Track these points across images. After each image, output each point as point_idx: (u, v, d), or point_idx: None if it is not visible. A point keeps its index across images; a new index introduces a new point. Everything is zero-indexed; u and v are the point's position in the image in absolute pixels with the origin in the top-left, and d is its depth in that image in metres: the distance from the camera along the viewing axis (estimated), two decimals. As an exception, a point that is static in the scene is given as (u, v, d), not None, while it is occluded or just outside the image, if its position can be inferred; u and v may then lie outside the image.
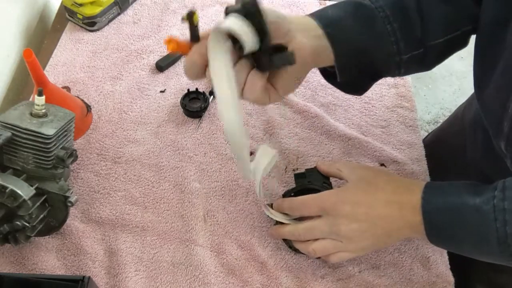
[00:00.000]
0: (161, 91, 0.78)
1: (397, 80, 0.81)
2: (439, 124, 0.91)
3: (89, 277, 0.50)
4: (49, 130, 0.56)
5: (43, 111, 0.57)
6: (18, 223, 0.55)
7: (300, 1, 0.92)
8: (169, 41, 0.49)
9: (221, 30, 0.45)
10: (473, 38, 0.57)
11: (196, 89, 0.76)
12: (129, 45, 0.83)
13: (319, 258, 0.61)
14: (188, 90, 0.75)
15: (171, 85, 0.78)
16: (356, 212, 0.55)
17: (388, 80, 0.81)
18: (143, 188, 0.67)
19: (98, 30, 0.84)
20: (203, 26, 0.86)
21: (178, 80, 0.79)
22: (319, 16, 0.54)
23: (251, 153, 0.71)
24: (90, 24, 0.83)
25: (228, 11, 0.46)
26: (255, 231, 0.64)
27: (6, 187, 0.53)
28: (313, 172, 0.63)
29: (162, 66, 0.79)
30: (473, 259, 0.54)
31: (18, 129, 0.55)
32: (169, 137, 0.72)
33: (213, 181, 0.68)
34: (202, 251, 0.62)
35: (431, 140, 0.87)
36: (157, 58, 0.81)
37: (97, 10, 0.82)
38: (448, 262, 0.63)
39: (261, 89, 0.49)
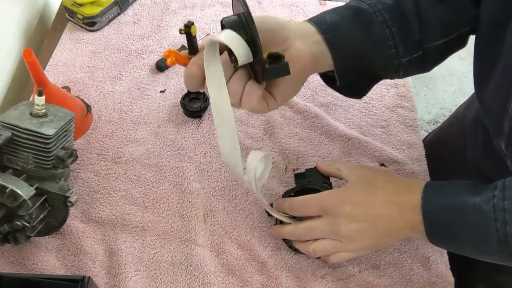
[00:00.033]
0: (161, 91, 0.78)
1: (397, 80, 0.81)
2: (439, 124, 0.91)
3: (89, 277, 0.50)
4: (49, 130, 0.56)
5: (43, 111, 0.57)
6: (18, 223, 0.55)
7: (300, 1, 0.91)
8: (168, 54, 0.50)
9: (215, 43, 0.47)
10: (472, 38, 0.57)
11: (196, 89, 0.76)
12: (129, 45, 0.83)
13: (319, 258, 0.61)
14: (188, 90, 0.75)
15: (171, 85, 0.78)
16: (356, 212, 0.55)
17: (388, 80, 0.80)
18: (143, 188, 0.67)
19: (98, 30, 0.84)
20: (203, 26, 0.86)
21: (178, 80, 0.79)
22: (318, 22, 0.54)
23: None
24: (90, 24, 0.83)
25: (223, 23, 0.47)
26: (255, 231, 0.64)
27: (6, 187, 0.53)
28: (313, 172, 0.63)
29: (162, 66, 0.79)
30: (473, 259, 0.54)
31: (18, 129, 0.55)
32: (169, 137, 0.72)
33: (213, 181, 0.68)
34: (202, 251, 0.62)
35: (431, 140, 0.87)
36: (157, 58, 0.81)
37: (97, 10, 0.82)
38: (448, 262, 0.62)
39: (259, 99, 0.49)
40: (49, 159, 0.57)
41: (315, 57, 0.52)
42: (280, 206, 0.60)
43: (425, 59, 0.56)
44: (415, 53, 0.55)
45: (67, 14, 0.85)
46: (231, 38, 0.45)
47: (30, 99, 0.75)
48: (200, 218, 0.64)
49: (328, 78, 0.59)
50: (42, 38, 0.87)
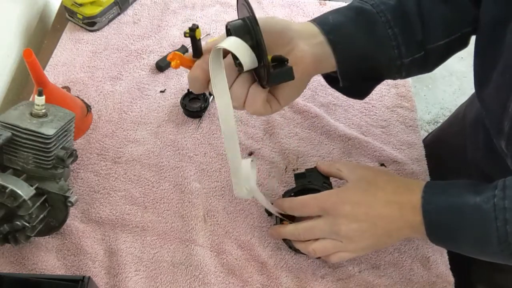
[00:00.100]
0: (161, 91, 0.78)
1: (397, 80, 0.81)
2: (439, 124, 0.91)
3: (89, 277, 0.50)
4: (49, 130, 0.56)
5: (43, 111, 0.57)
6: (18, 223, 0.55)
7: (300, 1, 0.91)
8: (173, 57, 0.51)
9: (220, 50, 0.47)
10: (473, 38, 0.57)
11: (196, 89, 0.76)
12: (129, 45, 0.83)
13: (319, 258, 0.61)
14: (188, 90, 0.75)
15: (171, 85, 0.78)
16: (356, 212, 0.55)
17: (388, 80, 0.80)
18: (143, 188, 0.67)
19: (98, 30, 0.84)
20: (203, 26, 0.86)
21: (178, 80, 0.79)
22: (321, 22, 0.54)
23: (251, 153, 0.71)
24: (90, 24, 0.83)
25: (228, 28, 0.47)
26: (255, 231, 0.64)
27: (6, 187, 0.53)
28: (313, 172, 0.64)
29: (162, 66, 0.79)
30: (473, 258, 0.54)
31: (18, 129, 0.55)
32: (169, 137, 0.72)
33: (213, 181, 0.68)
34: (202, 251, 0.62)
35: (431, 140, 0.87)
36: (157, 58, 0.81)
37: (97, 10, 0.82)
38: (448, 262, 0.63)
39: (262, 102, 0.50)
40: (49, 159, 0.56)
41: (318, 58, 0.52)
42: (280, 206, 0.60)
43: (427, 60, 0.56)
44: (417, 54, 0.55)
45: (67, 14, 0.85)
46: (236, 46, 0.46)
47: (30, 99, 0.75)
48: (200, 218, 0.64)
49: (331, 79, 0.59)
50: (42, 38, 0.87)
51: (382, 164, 0.71)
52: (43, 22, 0.90)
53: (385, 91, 0.80)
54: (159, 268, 0.61)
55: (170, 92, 0.77)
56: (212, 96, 0.76)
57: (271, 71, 0.46)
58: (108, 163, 0.69)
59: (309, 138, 0.73)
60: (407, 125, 0.76)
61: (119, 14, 0.87)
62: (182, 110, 0.74)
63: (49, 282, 0.50)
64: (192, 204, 0.66)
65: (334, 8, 0.59)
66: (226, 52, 0.50)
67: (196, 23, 0.51)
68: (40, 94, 0.57)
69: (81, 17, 0.82)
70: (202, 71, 0.50)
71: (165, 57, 0.80)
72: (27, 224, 0.55)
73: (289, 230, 0.59)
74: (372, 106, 0.77)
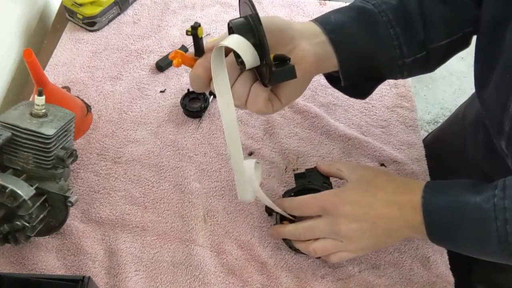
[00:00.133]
0: (161, 91, 0.78)
1: (397, 80, 0.81)
2: (439, 124, 0.91)
3: (89, 277, 0.50)
4: (49, 130, 0.56)
5: (43, 111, 0.57)
6: (18, 223, 0.55)
7: (300, 1, 0.91)
8: (175, 55, 0.50)
9: (222, 48, 0.47)
10: (474, 38, 0.57)
11: (196, 89, 0.76)
12: (129, 45, 0.83)
13: (319, 258, 0.61)
14: (188, 90, 0.75)
15: (171, 85, 0.78)
16: (356, 212, 0.55)
17: (388, 80, 0.80)
18: (143, 188, 0.67)
19: (98, 30, 0.84)
20: (204, 26, 0.86)
21: (178, 80, 0.79)
22: (323, 22, 0.54)
23: (251, 153, 0.71)
24: (90, 24, 0.83)
25: (230, 26, 0.47)
26: (255, 231, 0.64)
27: (6, 187, 0.53)
28: (313, 172, 0.64)
29: (162, 66, 0.79)
30: (473, 258, 0.54)
31: (18, 129, 0.55)
32: (169, 137, 0.72)
33: (213, 181, 0.68)
34: (202, 251, 0.62)
35: (431, 140, 0.87)
36: (157, 58, 0.81)
37: (97, 10, 0.82)
38: (448, 262, 0.62)
39: (264, 101, 0.50)
40: (49, 159, 0.56)
41: (320, 58, 0.52)
42: (280, 206, 0.60)
43: (429, 60, 0.56)
44: (419, 54, 0.55)
45: (67, 14, 0.85)
46: (238, 44, 0.46)
47: (30, 99, 0.75)
48: (200, 218, 0.64)
49: (332, 79, 0.59)
50: (42, 38, 0.87)
51: (382, 164, 0.71)
52: (43, 22, 0.90)
53: (385, 91, 0.80)
54: (159, 268, 0.61)
55: (170, 92, 0.77)
56: (212, 96, 0.76)
57: (273, 69, 0.46)
58: (108, 163, 0.69)
59: (309, 138, 0.73)
60: (407, 125, 0.76)
61: (119, 14, 0.87)
62: (182, 110, 0.74)
63: (49, 282, 0.50)
64: (192, 204, 0.66)
65: (334, 8, 0.59)
66: (228, 51, 0.50)
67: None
68: (40, 94, 0.57)
69: (81, 17, 0.82)
70: (204, 69, 0.50)
71: (165, 57, 0.80)
72: (27, 224, 0.55)
73: (289, 230, 0.59)
74: (372, 106, 0.77)
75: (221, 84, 0.48)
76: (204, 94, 0.75)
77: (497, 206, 0.47)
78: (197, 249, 0.62)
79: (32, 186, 0.55)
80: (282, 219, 0.61)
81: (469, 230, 0.50)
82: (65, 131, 0.59)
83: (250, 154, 0.71)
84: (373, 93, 0.79)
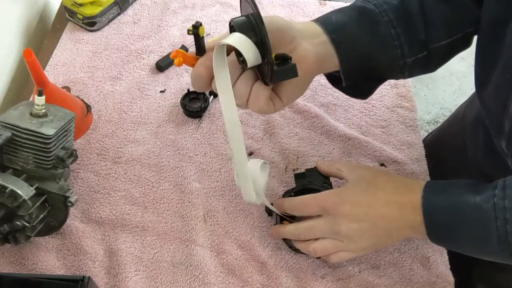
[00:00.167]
0: (161, 91, 0.78)
1: (397, 80, 0.81)
2: (439, 124, 0.91)
3: (89, 277, 0.50)
4: (49, 130, 0.56)
5: (43, 111, 0.57)
6: (18, 223, 0.55)
7: (300, 1, 0.91)
8: (176, 54, 0.50)
9: (223, 46, 0.47)
10: (475, 38, 0.57)
11: (196, 89, 0.76)
12: (129, 45, 0.83)
13: (319, 258, 0.61)
14: (188, 90, 0.75)
15: (171, 85, 0.78)
16: (356, 212, 0.55)
17: (388, 80, 0.80)
18: (143, 188, 0.67)
19: (98, 30, 0.84)
20: (204, 26, 0.86)
21: (178, 80, 0.79)
22: (324, 22, 0.54)
23: (251, 153, 0.71)
24: (90, 24, 0.83)
25: (232, 24, 0.47)
26: (255, 231, 0.64)
27: (6, 187, 0.53)
28: (313, 172, 0.64)
29: (162, 66, 0.79)
30: (473, 258, 0.54)
31: (18, 129, 0.55)
32: (169, 137, 0.72)
33: (213, 181, 0.68)
34: (202, 251, 0.62)
35: (431, 140, 0.87)
36: (157, 58, 0.81)
37: (97, 10, 0.82)
38: (448, 262, 0.62)
39: (266, 100, 0.50)
40: (49, 159, 0.56)
41: (321, 58, 0.53)
42: (280, 206, 0.60)
43: (430, 60, 0.56)
44: (420, 54, 0.55)
45: (67, 14, 0.85)
46: (240, 42, 0.46)
47: (30, 99, 0.75)
48: (200, 218, 0.64)
49: (333, 79, 0.59)
50: (42, 38, 0.87)
51: (382, 164, 0.71)
52: (43, 22, 0.90)
53: (385, 91, 0.80)
54: (159, 268, 0.61)
55: (170, 92, 0.77)
56: (212, 96, 0.76)
57: (274, 68, 0.46)
58: (108, 163, 0.69)
59: (309, 138, 0.73)
60: (407, 125, 0.76)
61: (119, 14, 0.87)
62: (182, 110, 0.74)
63: (49, 282, 0.50)
64: (192, 204, 0.66)
65: (334, 8, 0.59)
66: (229, 51, 0.50)
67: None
68: (40, 94, 0.57)
69: (81, 17, 0.82)
70: (205, 68, 0.50)
71: (165, 57, 0.80)
72: (27, 224, 0.55)
73: (289, 230, 0.59)
74: (372, 106, 0.77)
75: (223, 83, 0.48)
76: (204, 94, 0.75)
77: (497, 205, 0.47)
78: (197, 249, 0.62)
79: (32, 186, 0.55)
80: (282, 219, 0.61)
81: (469, 230, 0.50)
82: (65, 131, 0.59)
83: (250, 154, 0.71)
84: (373, 93, 0.79)
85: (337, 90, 0.61)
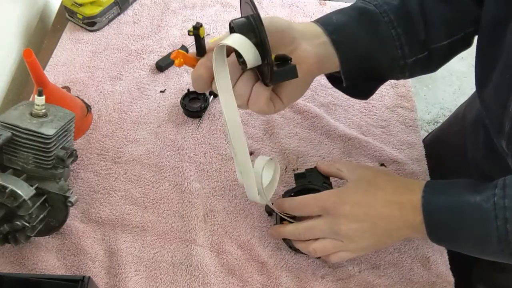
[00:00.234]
0: (161, 91, 0.78)
1: (398, 80, 0.81)
2: (439, 124, 0.91)
3: (89, 277, 0.50)
4: (49, 130, 0.56)
5: (43, 111, 0.57)
6: (18, 223, 0.55)
7: (300, 1, 0.91)
8: (176, 55, 0.50)
9: (223, 47, 0.47)
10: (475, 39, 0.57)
11: (196, 89, 0.76)
12: (129, 45, 0.83)
13: (319, 258, 0.61)
14: (188, 90, 0.75)
15: (171, 85, 0.78)
16: (356, 212, 0.55)
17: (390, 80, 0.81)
18: (143, 188, 0.67)
19: (98, 30, 0.84)
20: (204, 26, 0.86)
21: (178, 80, 0.79)
22: (324, 23, 0.54)
23: (251, 153, 0.71)
24: (90, 24, 0.83)
25: (232, 26, 0.47)
26: (255, 231, 0.64)
27: (6, 187, 0.53)
28: (313, 172, 0.64)
29: (162, 66, 0.79)
30: (473, 258, 0.54)
31: (18, 129, 0.55)
32: (169, 137, 0.72)
33: (213, 181, 0.68)
34: (202, 251, 0.62)
35: (431, 140, 0.87)
36: (157, 58, 0.81)
37: (97, 10, 0.82)
38: (448, 262, 0.62)
39: (266, 101, 0.50)
40: (49, 159, 0.56)
41: (321, 59, 0.53)
42: (280, 206, 0.60)
43: (430, 60, 0.56)
44: (420, 54, 0.55)
45: (67, 14, 0.85)
46: (240, 43, 0.46)
47: (30, 99, 0.75)
48: (200, 218, 0.64)
49: (334, 79, 0.59)
50: (42, 38, 0.87)
51: (382, 164, 0.71)
52: (43, 22, 0.90)
53: (385, 91, 0.80)
54: (159, 268, 0.61)
55: (170, 92, 0.77)
56: (212, 96, 0.76)
57: (274, 69, 0.46)
58: (108, 163, 0.69)
59: (309, 138, 0.73)
60: (407, 125, 0.76)
61: (119, 14, 0.87)
62: (182, 110, 0.74)
63: (49, 282, 0.50)
64: (192, 204, 0.66)
65: (334, 8, 0.59)
66: (229, 52, 0.50)
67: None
68: (40, 94, 0.57)
69: (81, 17, 0.82)
70: (205, 69, 0.50)
71: (165, 57, 0.80)
72: (27, 224, 0.55)
73: (289, 230, 0.59)
74: (372, 106, 0.77)
75: (223, 83, 0.48)
76: (204, 94, 0.75)
77: (497, 205, 0.47)
78: (197, 249, 0.62)
79: (32, 186, 0.55)
80: (282, 219, 0.61)
81: (469, 229, 0.50)
82: (65, 131, 0.59)
83: (250, 154, 0.71)
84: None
85: (337, 90, 0.61)
